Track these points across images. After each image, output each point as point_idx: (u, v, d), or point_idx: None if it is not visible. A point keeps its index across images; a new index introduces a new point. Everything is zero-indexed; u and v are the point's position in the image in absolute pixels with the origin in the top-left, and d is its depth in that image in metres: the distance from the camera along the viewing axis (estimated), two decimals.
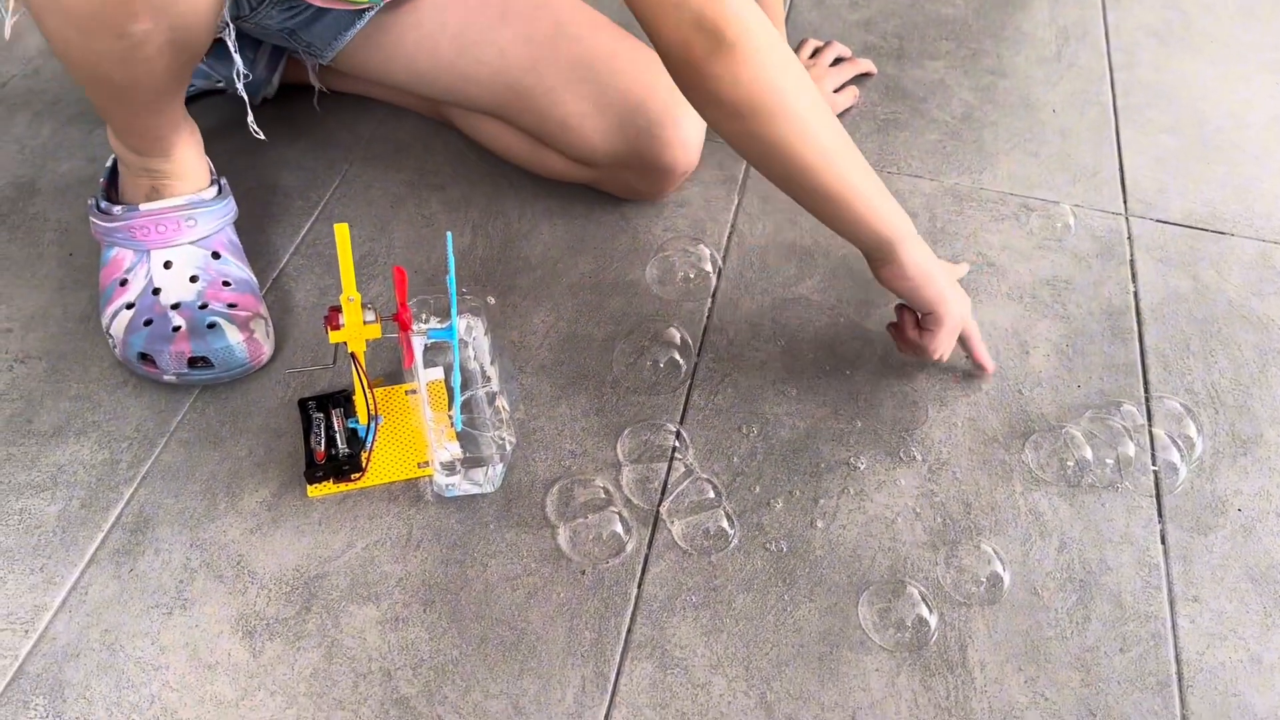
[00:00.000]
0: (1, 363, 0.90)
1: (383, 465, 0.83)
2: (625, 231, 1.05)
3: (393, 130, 1.16)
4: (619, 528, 0.80)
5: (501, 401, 0.85)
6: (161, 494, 0.81)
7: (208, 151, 0.96)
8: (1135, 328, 0.99)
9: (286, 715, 0.70)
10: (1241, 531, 0.83)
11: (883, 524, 0.82)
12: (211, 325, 0.85)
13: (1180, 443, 0.87)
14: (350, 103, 1.18)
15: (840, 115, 1.21)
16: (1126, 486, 0.85)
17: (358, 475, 0.82)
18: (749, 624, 0.76)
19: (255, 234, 1.02)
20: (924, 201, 1.11)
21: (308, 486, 0.82)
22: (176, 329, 0.85)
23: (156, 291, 0.88)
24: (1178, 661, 0.75)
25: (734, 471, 0.85)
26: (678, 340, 0.93)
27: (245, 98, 0.93)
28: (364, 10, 0.96)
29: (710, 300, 0.99)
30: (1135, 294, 1.02)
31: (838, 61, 1.25)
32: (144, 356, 0.85)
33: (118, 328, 0.87)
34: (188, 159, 0.90)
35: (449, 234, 0.74)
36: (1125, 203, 1.13)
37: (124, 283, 0.89)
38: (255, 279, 0.94)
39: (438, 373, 0.87)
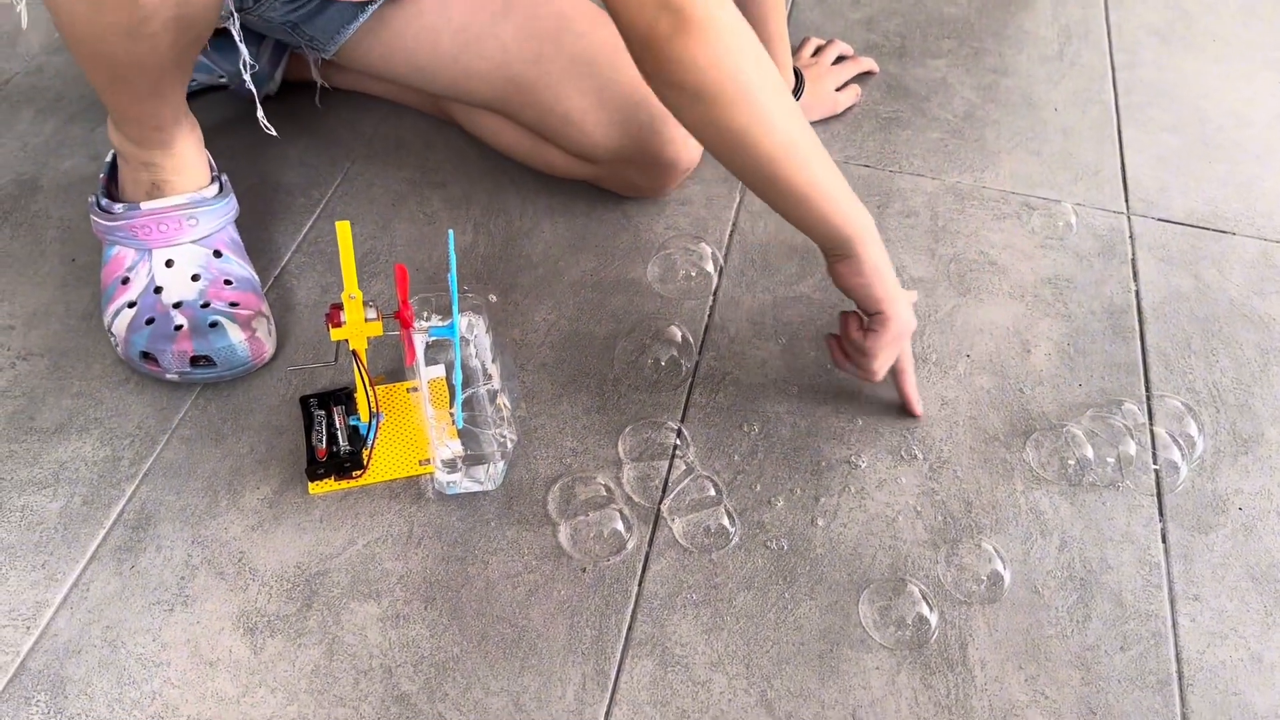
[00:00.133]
0: (4, 360, 0.90)
1: (384, 463, 0.83)
2: (627, 229, 1.05)
3: (394, 128, 1.16)
4: (620, 525, 0.80)
5: (503, 399, 0.85)
6: (163, 491, 0.81)
7: (210, 149, 0.96)
8: (1137, 326, 0.98)
9: (287, 712, 0.70)
10: (1242, 530, 0.83)
11: (883, 522, 0.82)
12: (214, 324, 0.85)
13: (1181, 441, 0.87)
14: (352, 100, 1.18)
15: (842, 114, 1.21)
16: (1127, 485, 0.85)
17: (359, 472, 0.82)
18: (749, 622, 0.76)
19: (257, 231, 1.02)
20: (926, 200, 1.11)
21: (309, 484, 0.82)
22: (179, 328, 0.85)
23: (158, 290, 0.88)
24: (1178, 660, 0.75)
25: (735, 469, 0.85)
26: (679, 338, 0.93)
27: (253, 90, 0.93)
28: (367, 4, 0.96)
29: (712, 298, 0.99)
30: (1137, 293, 1.02)
31: (840, 60, 1.25)
32: (146, 355, 0.85)
33: (119, 326, 0.87)
34: (187, 154, 0.90)
35: (450, 232, 0.75)
36: (1127, 201, 1.12)
37: (125, 281, 0.89)
38: (257, 277, 0.94)
39: (439, 370, 0.87)
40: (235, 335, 0.86)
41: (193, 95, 1.17)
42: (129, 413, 0.86)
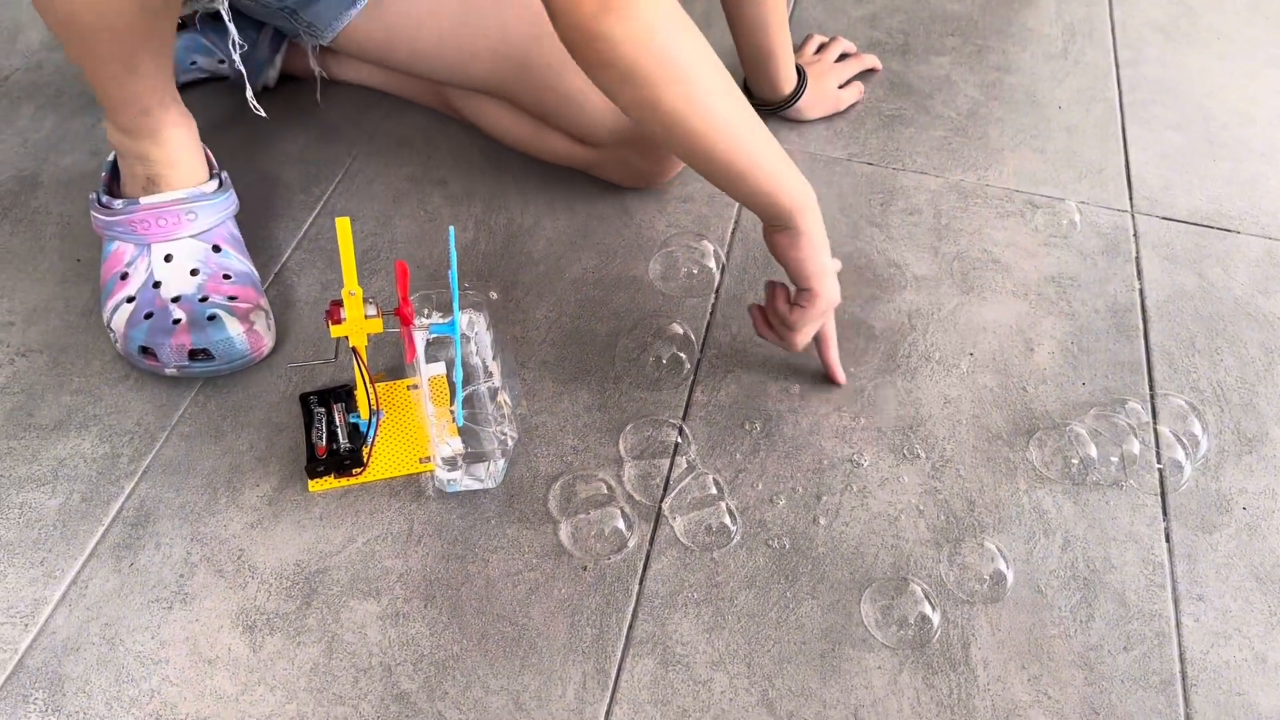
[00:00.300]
0: (3, 356, 0.90)
1: (384, 460, 0.83)
2: (629, 227, 1.05)
3: (396, 125, 1.15)
4: (621, 524, 0.80)
5: (503, 397, 0.84)
6: (162, 488, 0.81)
7: (210, 145, 0.96)
8: (1141, 325, 0.98)
9: (286, 710, 0.70)
10: (1246, 530, 0.83)
11: (886, 521, 0.82)
12: (212, 317, 0.85)
13: (1185, 441, 0.87)
14: (353, 97, 1.18)
15: (845, 111, 1.21)
16: (1131, 484, 0.85)
17: (359, 470, 0.81)
18: (751, 621, 0.76)
19: (257, 228, 1.02)
20: (929, 198, 1.10)
21: (309, 481, 0.81)
22: (177, 322, 0.85)
23: (157, 285, 0.88)
24: (1182, 660, 0.75)
25: (736, 468, 0.85)
26: (681, 336, 0.92)
27: (242, 69, 0.93)
28: None
29: (714, 296, 0.99)
30: (1141, 291, 1.02)
31: (843, 57, 1.25)
32: (145, 350, 0.85)
33: (118, 322, 0.87)
34: (178, 144, 0.90)
35: (451, 228, 0.74)
36: (1131, 200, 1.12)
37: (124, 276, 0.88)
38: (256, 272, 0.94)
39: (440, 368, 0.87)
40: (233, 328, 0.85)
41: (195, 85, 1.17)
42: (128, 410, 0.86)
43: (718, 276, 1.00)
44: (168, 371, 0.86)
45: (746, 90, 1.18)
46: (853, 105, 1.22)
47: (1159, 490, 0.85)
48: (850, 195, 1.10)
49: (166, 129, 0.89)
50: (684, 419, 0.88)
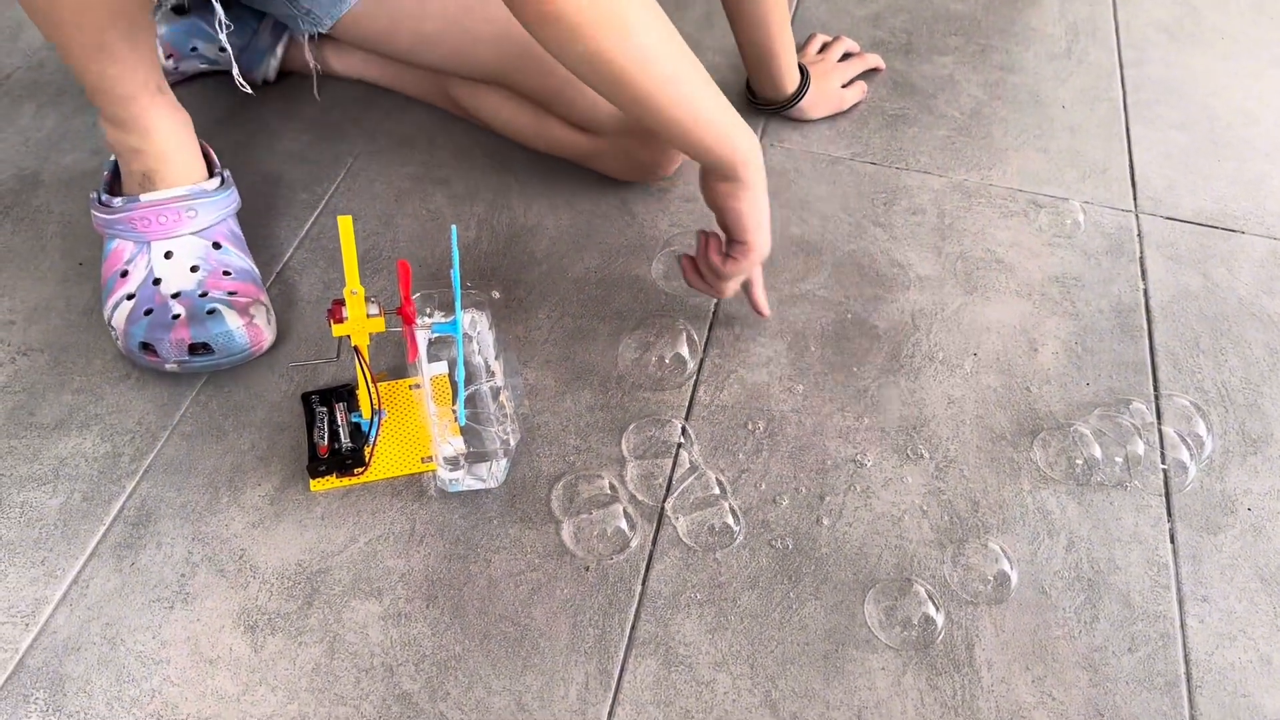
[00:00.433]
0: (4, 355, 0.90)
1: (386, 460, 0.83)
2: (631, 226, 1.04)
3: (398, 124, 1.15)
4: (623, 524, 0.79)
5: (506, 396, 0.84)
6: (163, 488, 0.81)
7: (213, 143, 0.96)
8: (1145, 325, 0.98)
9: (288, 711, 0.69)
10: (1251, 531, 0.82)
11: (889, 522, 0.81)
12: (211, 312, 0.85)
13: (1190, 441, 0.87)
14: (355, 96, 1.18)
15: (848, 111, 1.20)
16: (1135, 485, 0.85)
17: (361, 470, 0.81)
18: (754, 621, 0.75)
19: (259, 227, 1.01)
20: (932, 197, 1.10)
21: (310, 481, 0.81)
22: (176, 317, 0.85)
23: (157, 282, 0.87)
24: (1186, 662, 0.75)
25: (739, 468, 0.84)
26: (683, 336, 0.92)
27: (228, 47, 0.93)
28: None
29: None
30: (1145, 291, 1.01)
31: (846, 57, 1.24)
32: (145, 346, 0.85)
33: (119, 319, 0.87)
34: (168, 137, 0.90)
35: (454, 227, 0.74)
36: (1135, 199, 1.12)
37: (125, 274, 0.88)
38: (257, 269, 0.94)
39: (442, 367, 0.87)
40: (233, 321, 0.85)
41: (196, 81, 1.17)
42: (130, 409, 0.86)
43: None
44: (168, 367, 0.86)
45: (749, 90, 1.18)
46: (856, 105, 1.21)
47: (1163, 491, 0.84)
48: (853, 195, 1.10)
49: (155, 120, 0.89)
50: (687, 419, 0.88)
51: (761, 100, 1.17)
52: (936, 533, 0.81)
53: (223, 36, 0.90)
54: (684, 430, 0.86)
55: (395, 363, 0.90)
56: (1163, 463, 0.86)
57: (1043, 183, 1.13)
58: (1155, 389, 0.92)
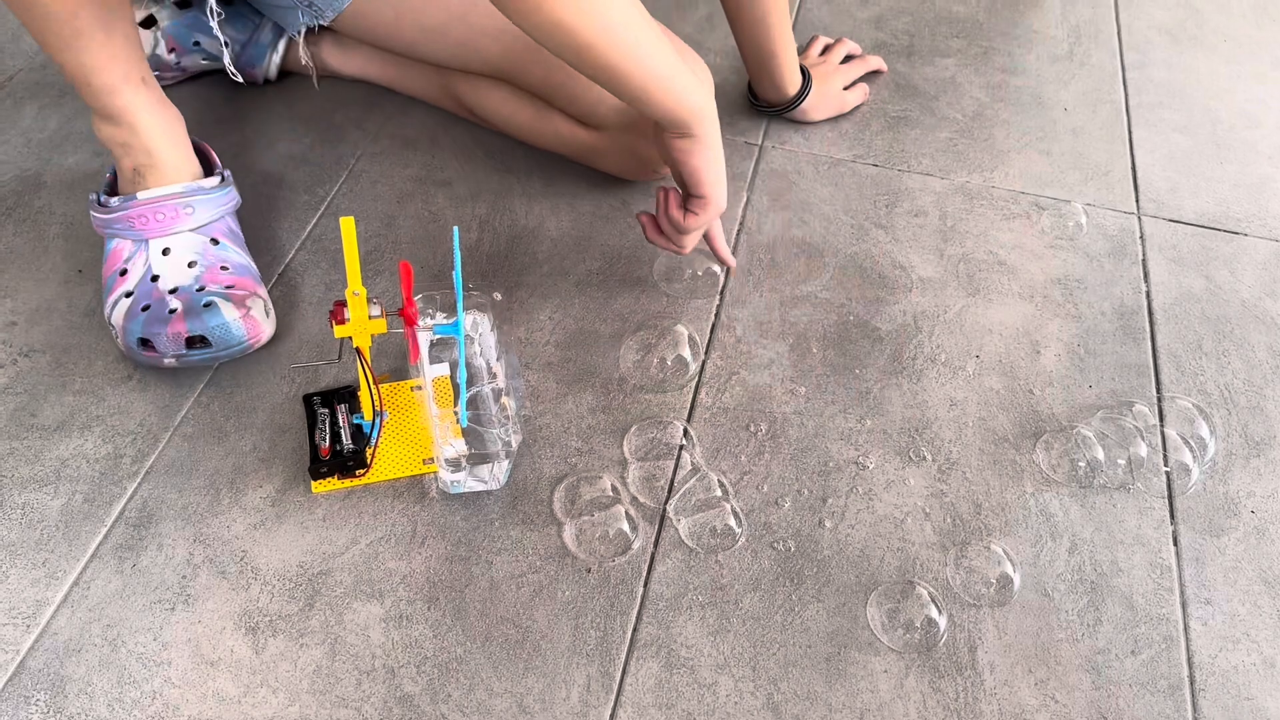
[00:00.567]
0: (6, 356, 0.90)
1: (388, 461, 0.82)
2: (633, 228, 1.04)
3: (400, 126, 1.15)
4: (625, 526, 0.79)
5: (507, 398, 0.84)
6: (165, 489, 0.81)
7: (214, 144, 0.96)
8: (1147, 327, 0.98)
9: (289, 713, 0.69)
10: (1254, 533, 0.82)
11: (891, 524, 0.81)
12: (208, 305, 0.85)
13: (1193, 444, 0.87)
14: (357, 97, 1.18)
15: (850, 112, 1.20)
16: (1138, 487, 0.84)
17: (362, 471, 0.81)
18: (756, 624, 0.75)
19: (261, 228, 1.01)
20: (935, 200, 1.10)
21: (312, 482, 0.81)
22: (173, 311, 0.85)
23: (155, 278, 0.87)
24: (1190, 665, 0.74)
25: (741, 470, 0.84)
26: (685, 338, 0.92)
27: (220, 37, 0.93)
28: None
29: (718, 298, 0.98)
30: (1147, 293, 1.01)
31: (848, 59, 1.24)
32: (143, 342, 0.84)
33: (118, 316, 0.87)
34: (155, 131, 0.89)
35: (455, 229, 0.74)
36: (1137, 202, 1.12)
37: (124, 273, 0.88)
38: (255, 266, 0.93)
39: (443, 369, 0.87)
40: (229, 314, 0.85)
41: (198, 81, 1.17)
42: (131, 410, 0.86)
43: (722, 278, 1.00)
44: (166, 362, 0.85)
45: (751, 92, 1.18)
46: (858, 107, 1.21)
47: (1166, 493, 0.84)
48: (855, 197, 1.10)
49: (140, 113, 0.88)
50: (689, 421, 0.88)
51: (763, 102, 1.17)
52: (939, 535, 0.81)
53: (214, 23, 0.90)
54: (686, 432, 0.86)
55: (397, 364, 0.90)
56: (1165, 465, 0.86)
57: (1045, 185, 1.13)
58: (1158, 391, 0.92)
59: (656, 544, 0.79)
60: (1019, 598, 0.77)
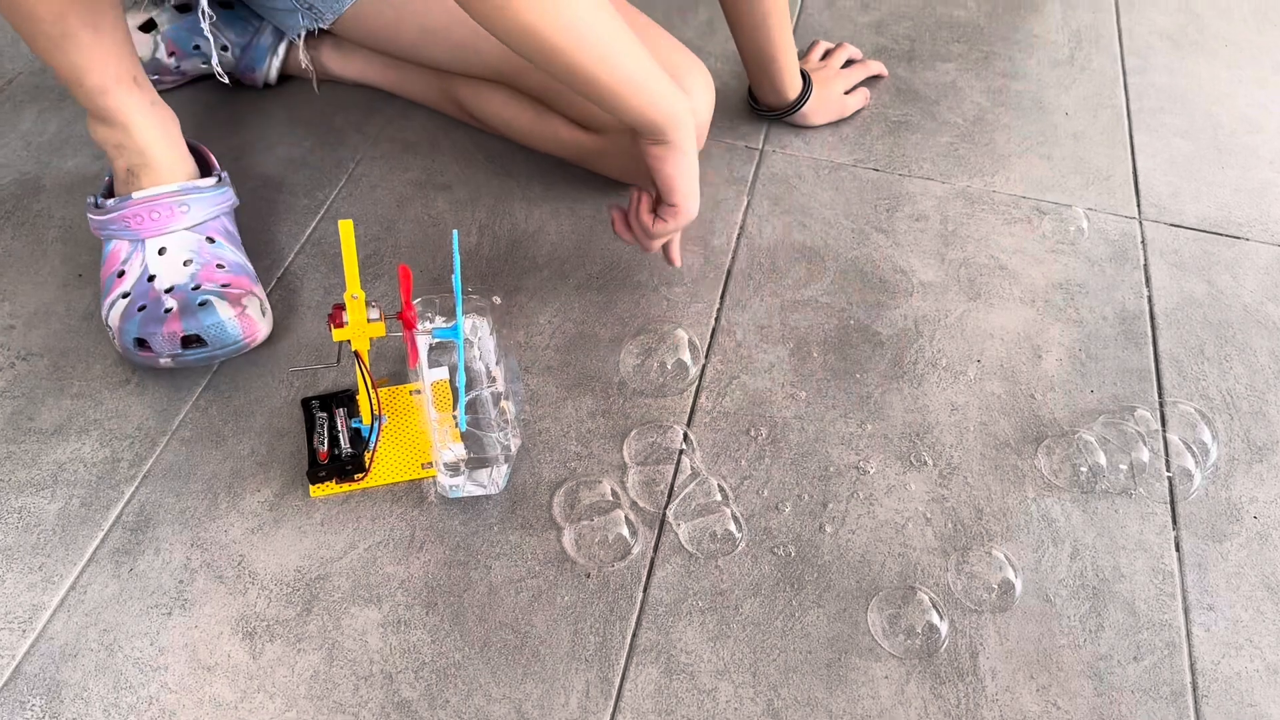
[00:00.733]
0: (4, 359, 0.89)
1: (386, 466, 0.82)
2: None
3: (400, 130, 1.15)
4: (625, 530, 0.79)
5: (507, 402, 0.84)
6: (162, 493, 0.81)
7: (213, 148, 0.96)
8: (1149, 332, 0.97)
9: (286, 718, 0.69)
10: (1257, 539, 0.82)
11: (892, 529, 0.81)
12: (203, 304, 0.85)
13: (1195, 449, 0.86)
14: (357, 101, 1.18)
15: (851, 117, 1.20)
16: (1140, 493, 0.84)
17: (361, 475, 0.81)
18: (756, 629, 0.75)
19: (260, 231, 1.01)
20: (935, 204, 1.10)
21: (310, 487, 0.81)
22: (168, 311, 0.84)
23: (152, 278, 0.87)
24: (1192, 671, 0.74)
25: (741, 474, 0.84)
26: (685, 342, 0.92)
27: (210, 38, 0.92)
28: None
29: (719, 301, 0.98)
30: (1149, 298, 1.01)
31: (849, 63, 1.24)
32: (140, 342, 0.84)
33: (115, 317, 0.87)
34: (148, 131, 0.89)
35: (455, 233, 0.74)
36: (1139, 206, 1.11)
37: (121, 274, 0.88)
38: (251, 266, 0.93)
39: (443, 372, 0.86)
40: (224, 312, 0.85)
41: (197, 85, 1.17)
42: (129, 414, 0.86)
43: (722, 282, 1.00)
44: (162, 362, 0.85)
45: (751, 96, 1.18)
46: (859, 111, 1.21)
47: (1168, 498, 0.84)
48: (856, 201, 1.09)
49: (132, 113, 0.88)
50: (689, 425, 0.87)
51: (764, 106, 1.17)
52: (940, 540, 0.80)
53: (206, 26, 0.90)
54: (686, 436, 0.86)
55: (396, 368, 0.90)
56: (1167, 470, 0.85)
57: (1046, 189, 1.13)
58: (1160, 396, 0.92)
59: (656, 549, 0.79)
60: (1021, 603, 0.77)
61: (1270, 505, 0.84)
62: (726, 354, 0.93)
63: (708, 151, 1.11)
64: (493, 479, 0.81)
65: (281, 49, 1.15)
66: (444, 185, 1.08)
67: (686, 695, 0.71)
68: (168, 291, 0.86)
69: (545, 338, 0.94)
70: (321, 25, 1.02)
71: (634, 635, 0.74)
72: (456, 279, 0.73)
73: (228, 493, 0.81)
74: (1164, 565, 0.80)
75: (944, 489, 0.84)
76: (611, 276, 0.99)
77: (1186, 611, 0.77)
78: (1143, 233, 1.08)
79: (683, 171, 0.85)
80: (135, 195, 0.88)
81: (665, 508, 0.81)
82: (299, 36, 1.09)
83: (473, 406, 0.84)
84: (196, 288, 0.87)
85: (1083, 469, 0.84)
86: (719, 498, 0.81)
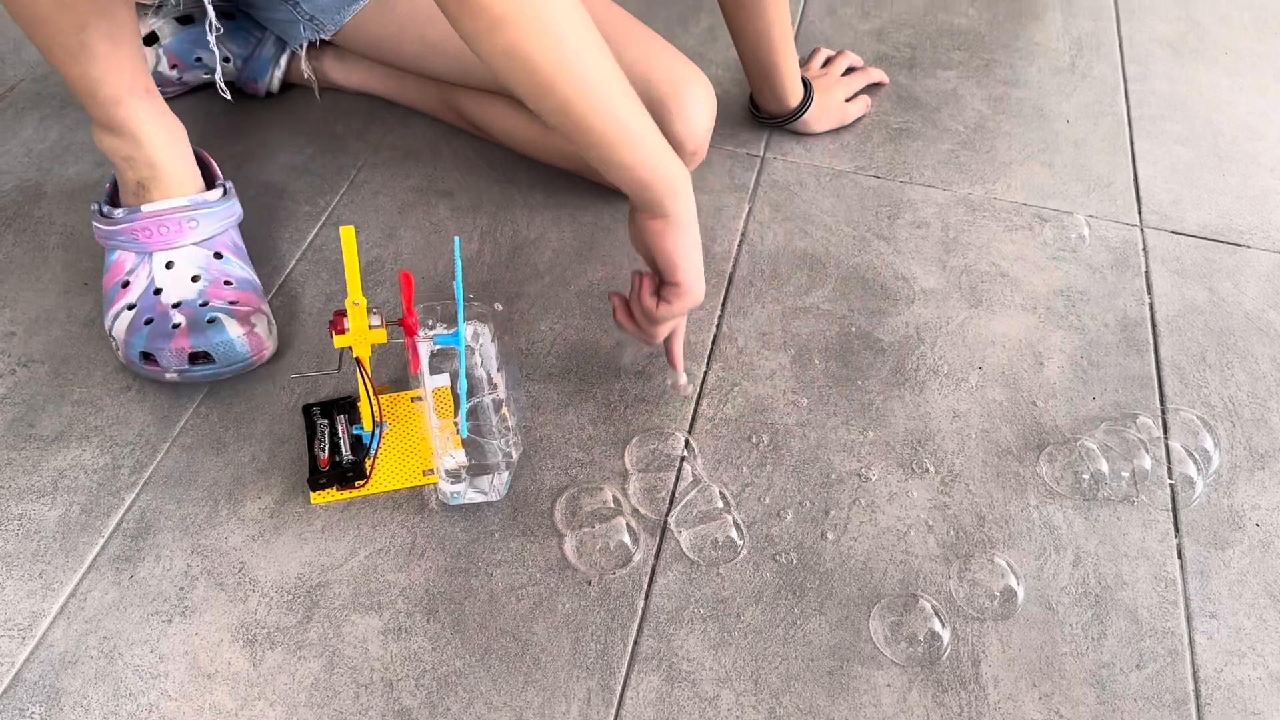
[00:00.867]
0: (4, 366, 0.89)
1: (387, 472, 0.82)
2: None
3: (401, 137, 1.15)
4: (626, 538, 0.79)
5: (508, 409, 0.83)
6: (163, 500, 0.80)
7: (215, 155, 0.96)
8: (1151, 340, 0.97)
9: None
10: (1259, 547, 0.82)
11: (894, 536, 0.81)
12: (212, 320, 0.85)
13: (1197, 456, 0.86)
14: (359, 109, 1.18)
15: (852, 124, 1.20)
16: (1142, 500, 0.84)
17: (362, 482, 0.81)
18: (758, 637, 0.74)
19: (262, 238, 1.01)
20: (937, 211, 1.10)
21: (311, 493, 0.81)
22: (176, 326, 0.84)
23: (158, 292, 0.87)
24: (1195, 679, 0.74)
25: (743, 481, 0.84)
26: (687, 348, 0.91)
27: (215, 51, 0.92)
28: None
29: (720, 309, 0.98)
30: (1150, 305, 1.01)
31: (850, 71, 1.24)
32: (146, 356, 0.84)
33: (120, 329, 0.86)
34: (160, 144, 0.89)
35: (456, 239, 0.74)
36: (1140, 214, 1.11)
37: (126, 285, 0.88)
38: (258, 280, 0.93)
39: (444, 379, 0.86)
40: (233, 330, 0.85)
41: (199, 93, 1.17)
42: (130, 421, 0.85)
43: (724, 289, 1.00)
44: (168, 377, 0.85)
45: (752, 103, 1.18)
46: (860, 119, 1.21)
47: (1170, 506, 0.84)
48: (857, 208, 1.09)
49: (144, 125, 0.88)
50: (690, 432, 0.87)
51: (765, 114, 1.17)
52: (942, 548, 0.80)
53: (212, 39, 0.90)
54: (687, 443, 0.86)
55: (397, 375, 0.90)
56: (1169, 478, 0.85)
57: (1047, 197, 1.13)
58: (1161, 403, 0.91)
59: (657, 556, 0.79)
60: (1023, 611, 0.77)
61: (1272, 513, 0.84)
62: (728, 361, 0.93)
63: (709, 159, 1.11)
64: (494, 486, 0.80)
65: (284, 59, 1.15)
66: (445, 192, 1.09)
67: (688, 703, 0.71)
68: (175, 306, 0.86)
69: (547, 344, 0.94)
70: (323, 36, 1.02)
71: (635, 643, 0.74)
72: (458, 285, 0.73)
73: (228, 500, 0.81)
74: (1166, 573, 0.79)
75: (946, 496, 0.84)
76: (613, 283, 0.99)
77: (1189, 619, 0.77)
78: (1144, 240, 1.08)
79: (685, 247, 0.80)
80: (144, 209, 0.88)
81: (667, 515, 0.81)
82: (301, 47, 1.09)
83: (474, 413, 0.84)
84: (204, 304, 0.86)
85: (1085, 476, 0.84)
86: (720, 505, 0.81)
